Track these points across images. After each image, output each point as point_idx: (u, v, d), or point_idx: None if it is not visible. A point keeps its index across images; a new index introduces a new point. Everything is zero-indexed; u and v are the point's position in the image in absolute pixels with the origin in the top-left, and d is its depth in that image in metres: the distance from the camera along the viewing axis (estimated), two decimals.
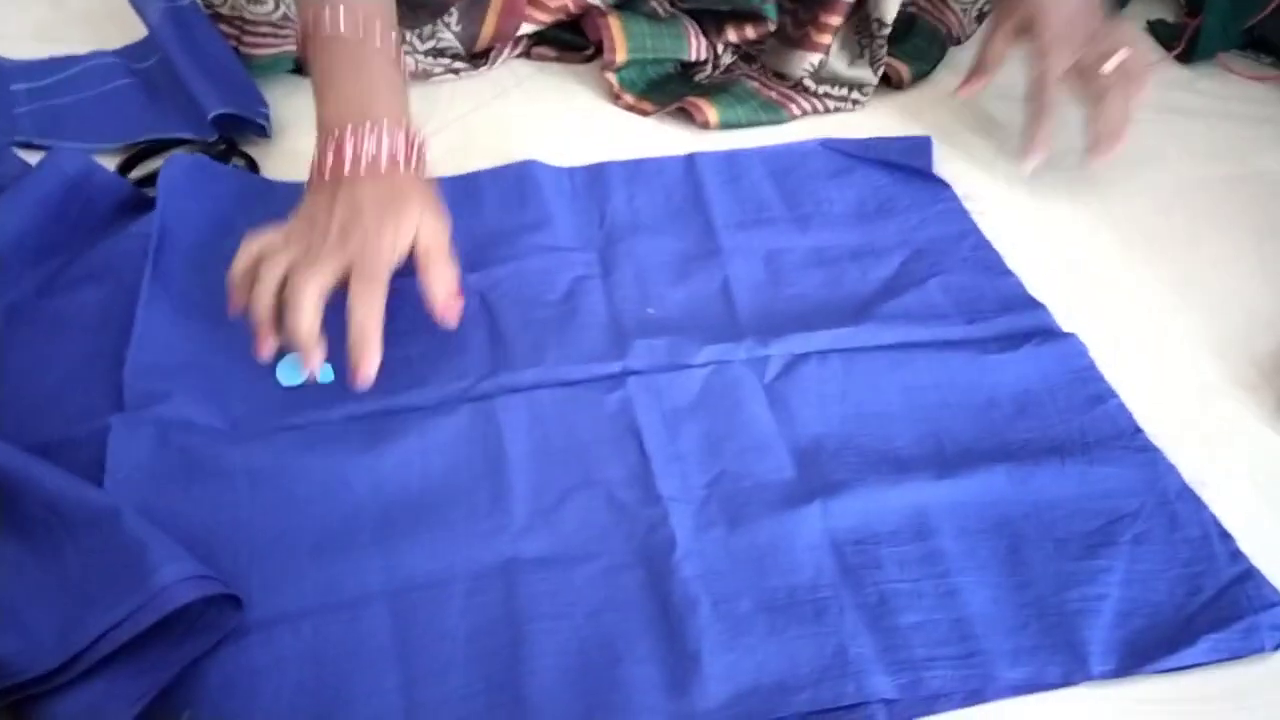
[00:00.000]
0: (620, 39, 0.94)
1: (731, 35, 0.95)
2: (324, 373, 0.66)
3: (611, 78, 0.95)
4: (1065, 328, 0.74)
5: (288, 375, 0.66)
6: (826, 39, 0.92)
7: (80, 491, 0.54)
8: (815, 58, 0.93)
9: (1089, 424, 0.68)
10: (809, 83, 0.94)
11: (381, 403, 0.65)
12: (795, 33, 0.94)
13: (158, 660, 0.50)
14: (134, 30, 0.94)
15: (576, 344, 0.70)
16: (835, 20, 0.91)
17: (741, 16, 0.94)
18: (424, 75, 0.94)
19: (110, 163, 0.80)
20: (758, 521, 0.60)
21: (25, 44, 0.94)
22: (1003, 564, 0.60)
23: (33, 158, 0.75)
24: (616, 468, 0.63)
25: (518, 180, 0.83)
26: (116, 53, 0.93)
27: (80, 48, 0.93)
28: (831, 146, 0.90)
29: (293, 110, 0.90)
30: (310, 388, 0.66)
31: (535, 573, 0.57)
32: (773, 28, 0.93)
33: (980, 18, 1.04)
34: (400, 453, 0.62)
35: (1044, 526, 0.61)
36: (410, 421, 0.64)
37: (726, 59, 0.98)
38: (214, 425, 0.62)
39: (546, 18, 0.95)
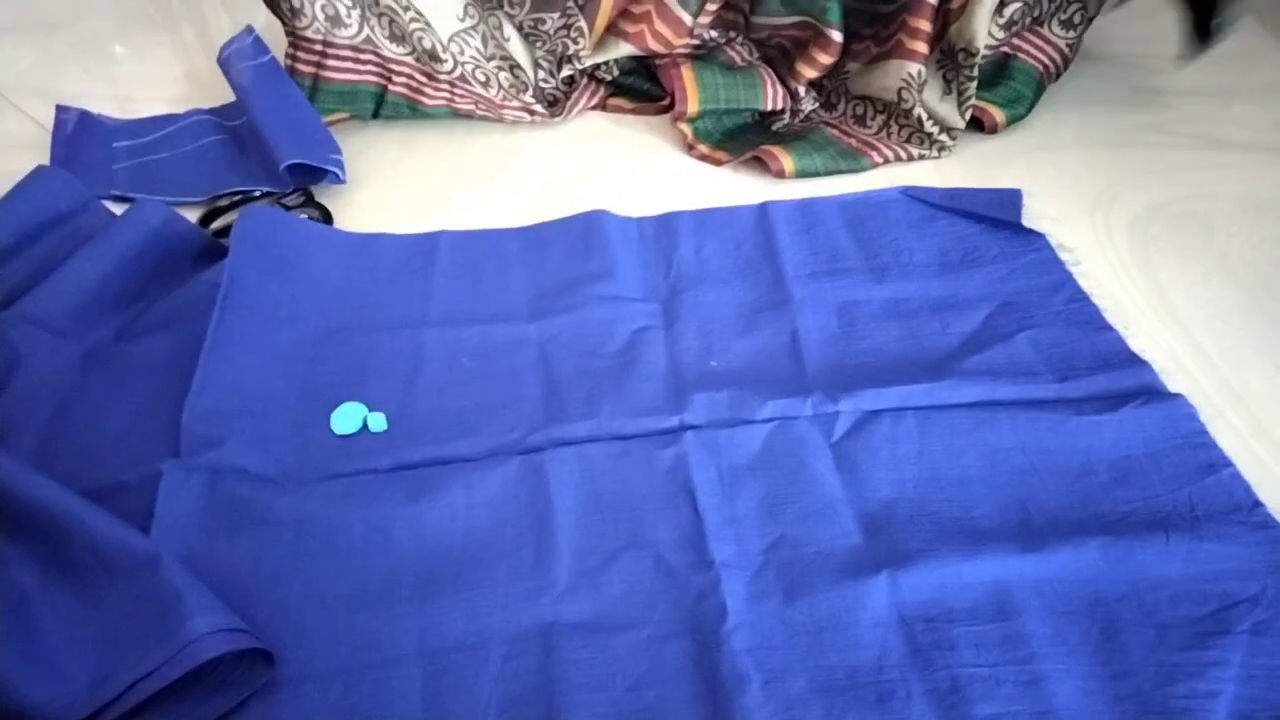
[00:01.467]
0: (693, 90, 0.92)
1: (806, 70, 0.91)
2: (377, 422, 0.66)
3: (685, 128, 0.94)
4: (1171, 388, 0.67)
5: (343, 424, 0.66)
6: (921, 46, 0.87)
7: (125, 537, 0.54)
8: (914, 67, 0.88)
9: (1199, 495, 0.61)
10: (906, 96, 0.88)
11: (431, 452, 0.64)
12: (883, 47, 0.90)
13: (184, 714, 0.49)
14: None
15: (633, 397, 0.67)
16: (923, 24, 0.86)
17: (808, 43, 0.90)
18: (496, 113, 0.95)
19: (193, 215, 0.83)
20: (818, 593, 0.56)
21: (160, 108, 0.99)
22: (1096, 651, 0.53)
23: (120, 209, 0.78)
24: (667, 528, 0.60)
25: (585, 230, 0.82)
26: (211, 111, 0.97)
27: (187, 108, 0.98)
28: (913, 195, 0.86)
29: (372, 161, 0.92)
30: (363, 437, 0.65)
31: (575, 639, 0.54)
32: (837, 37, 0.89)
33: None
34: (445, 505, 0.60)
35: (1145, 610, 0.55)
36: (458, 473, 0.62)
37: (808, 105, 0.95)
38: (265, 473, 0.62)
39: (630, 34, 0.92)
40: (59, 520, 0.55)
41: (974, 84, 0.88)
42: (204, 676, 0.50)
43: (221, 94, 0.99)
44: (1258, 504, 0.60)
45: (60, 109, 0.95)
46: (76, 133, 0.93)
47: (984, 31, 0.85)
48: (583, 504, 0.61)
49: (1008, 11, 0.88)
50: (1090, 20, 0.95)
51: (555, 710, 0.51)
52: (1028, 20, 0.92)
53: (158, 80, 1.05)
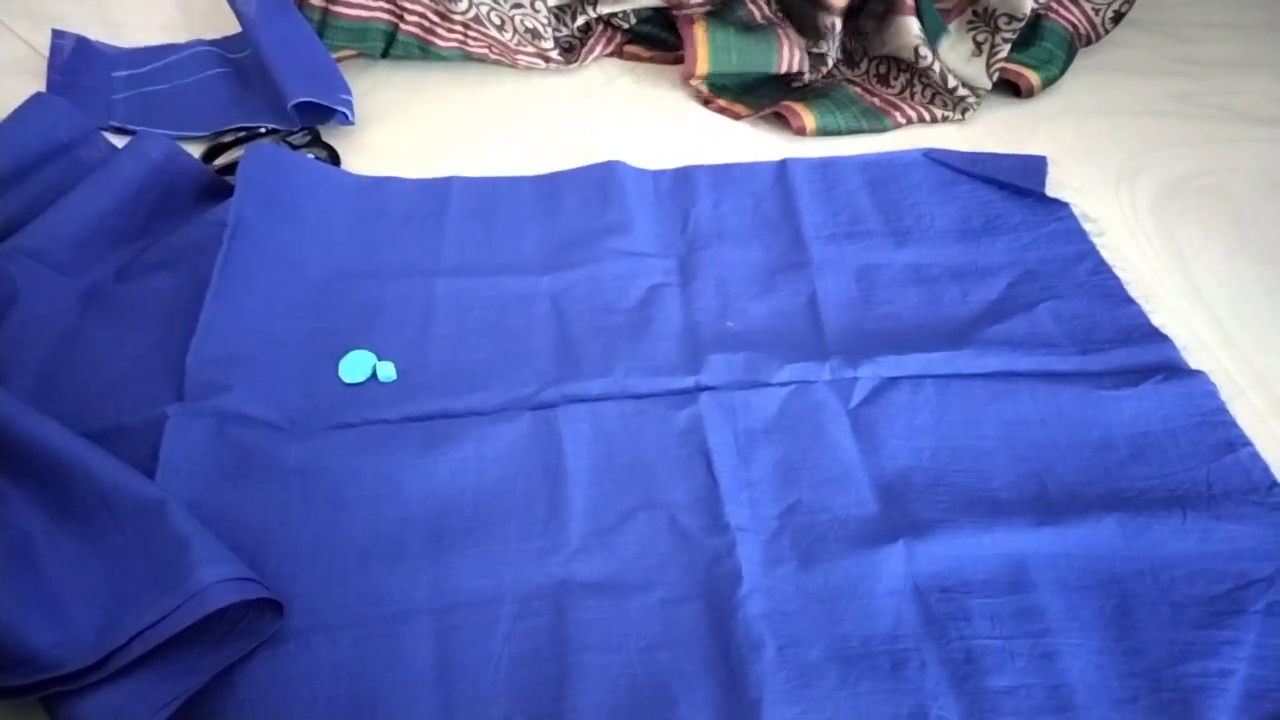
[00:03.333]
0: (704, 50, 0.89)
1: (824, 19, 0.88)
2: (386, 371, 0.64)
3: (696, 84, 0.91)
4: (1193, 364, 0.67)
5: (351, 372, 0.64)
6: None
7: (130, 481, 0.53)
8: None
9: (1216, 474, 0.60)
10: (924, 53, 0.86)
11: (441, 404, 0.62)
12: (886, 2, 0.87)
13: (191, 664, 0.48)
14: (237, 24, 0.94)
15: (648, 355, 0.66)
16: None
17: None
18: (510, 58, 0.92)
19: (196, 150, 0.80)
20: (834, 560, 0.55)
21: (153, 34, 0.95)
22: (1110, 626, 0.53)
23: (121, 142, 0.76)
24: (682, 490, 0.59)
25: (600, 181, 0.80)
26: (214, 43, 0.94)
27: (187, 38, 0.94)
28: (936, 158, 0.84)
29: (379, 103, 0.89)
30: (372, 386, 0.64)
31: (588, 599, 0.53)
32: None
33: (1118, 18, 0.96)
34: (456, 459, 0.59)
35: (1160, 587, 0.55)
36: (469, 427, 0.61)
37: (831, 59, 0.92)
38: (271, 420, 0.61)
39: None
40: (62, 462, 0.54)
41: (1009, 46, 0.86)
42: (211, 625, 0.49)
43: (214, 25, 0.96)
44: (1275, 484, 0.59)
45: (56, 34, 0.91)
46: (73, 59, 0.90)
47: None
48: (596, 463, 0.60)
49: None
50: None
51: (567, 669, 0.50)
52: None
53: (146, 5, 1.01)
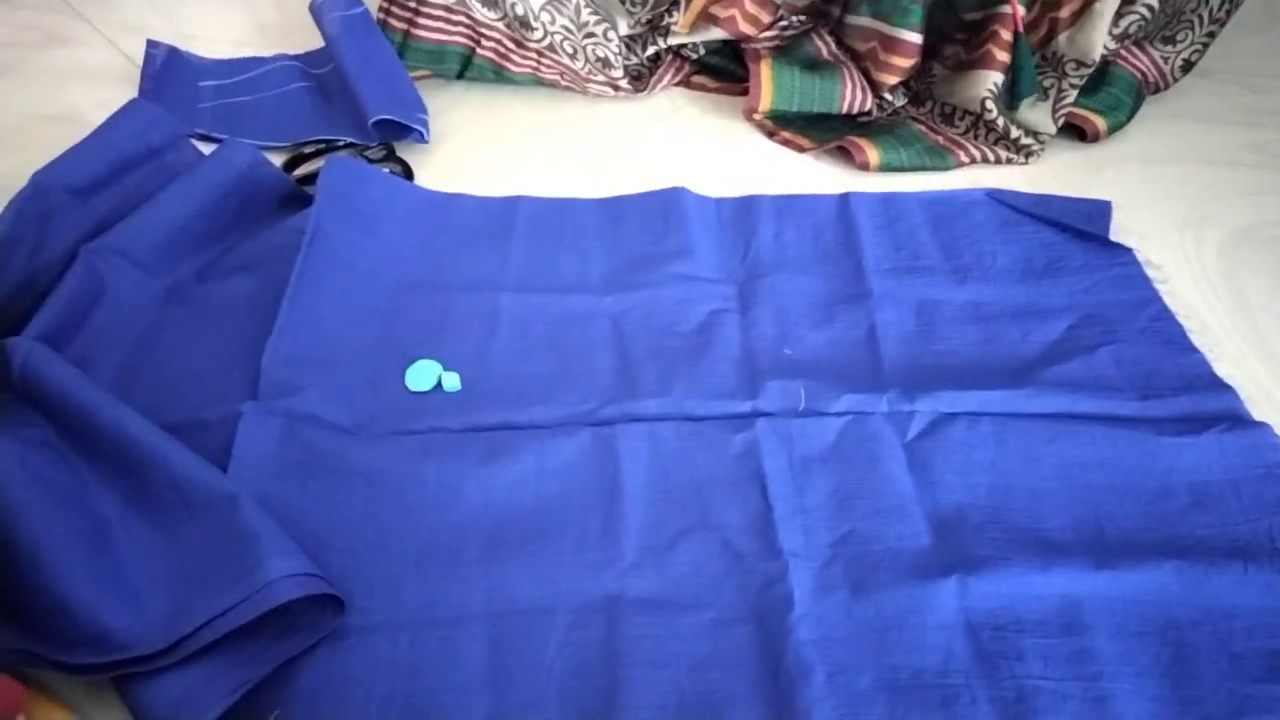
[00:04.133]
0: (767, 88, 0.91)
1: (885, 77, 0.89)
2: (451, 381, 0.66)
3: (759, 119, 0.93)
4: (1257, 416, 0.66)
5: (417, 380, 0.66)
6: (1007, 57, 0.85)
7: (204, 474, 0.55)
8: (998, 77, 0.86)
9: (1279, 527, 0.59)
10: (990, 106, 0.87)
11: (503, 416, 0.64)
12: (971, 55, 0.89)
13: (256, 654, 0.50)
14: (318, 39, 0.98)
15: (707, 378, 0.67)
16: (1009, 35, 0.84)
17: (889, 47, 0.89)
18: (581, 85, 0.94)
19: (278, 160, 0.83)
20: (886, 590, 0.55)
21: (222, 48, 1.00)
22: (1166, 674, 0.52)
23: (207, 149, 0.79)
24: (736, 513, 0.59)
25: (664, 207, 0.81)
26: (297, 57, 0.98)
27: (270, 52, 0.98)
28: (998, 198, 0.84)
29: (453, 121, 0.92)
30: (437, 395, 0.66)
31: (640, 615, 0.54)
32: (914, 39, 0.87)
33: (1187, 66, 0.96)
34: (516, 470, 0.60)
35: (1219, 638, 0.54)
36: (530, 440, 0.62)
37: (899, 100, 0.94)
38: (340, 423, 0.62)
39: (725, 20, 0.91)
40: (140, 452, 0.56)
41: (1076, 93, 0.86)
42: (276, 618, 0.51)
43: (288, 42, 0.99)
44: None
45: (151, 44, 0.95)
46: (165, 69, 0.94)
47: (1100, 43, 0.83)
48: (652, 481, 0.61)
49: (1123, 23, 0.86)
50: (1205, 42, 0.93)
51: (618, 683, 0.51)
52: (1141, 34, 0.89)
53: (220, 22, 1.05)
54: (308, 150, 0.85)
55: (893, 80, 0.89)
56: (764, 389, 0.66)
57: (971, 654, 0.53)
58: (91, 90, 0.93)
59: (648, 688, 0.51)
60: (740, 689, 0.51)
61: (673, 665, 0.52)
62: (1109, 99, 0.91)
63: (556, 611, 0.54)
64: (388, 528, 0.57)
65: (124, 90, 0.90)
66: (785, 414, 0.65)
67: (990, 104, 0.87)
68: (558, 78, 0.94)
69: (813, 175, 0.88)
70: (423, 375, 0.66)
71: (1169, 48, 0.95)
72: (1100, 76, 0.92)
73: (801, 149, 0.91)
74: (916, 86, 0.95)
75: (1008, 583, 0.56)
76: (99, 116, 0.75)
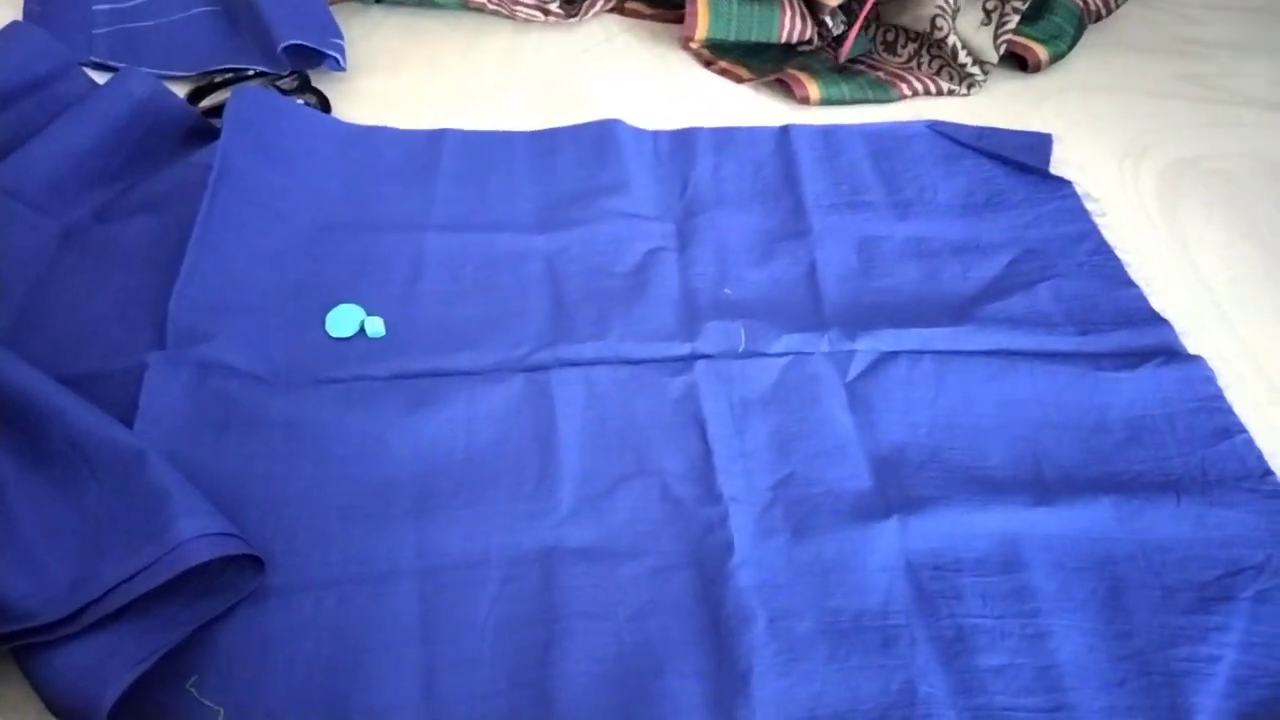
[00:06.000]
0: (704, 16, 0.87)
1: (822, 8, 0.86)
2: (375, 326, 0.63)
3: (696, 47, 0.89)
4: (1191, 349, 0.66)
5: (339, 326, 0.63)
6: None
7: (107, 430, 0.51)
8: None
9: (1211, 460, 0.60)
10: (941, 24, 0.84)
11: (431, 363, 0.61)
12: None
13: (168, 620, 0.47)
14: None
15: (644, 320, 0.65)
16: None
17: None
18: (509, 9, 0.89)
19: (181, 90, 0.77)
20: (826, 533, 0.55)
21: None
22: (1101, 608, 0.53)
23: (102, 79, 0.73)
24: (675, 458, 0.58)
25: (598, 140, 0.78)
26: None
27: None
28: (940, 130, 0.82)
29: (372, 50, 0.86)
30: (359, 341, 0.62)
31: (577, 565, 0.52)
32: None
33: None
34: (445, 419, 0.58)
35: (1152, 571, 0.54)
36: (459, 386, 0.59)
37: (838, 28, 0.90)
38: (255, 372, 0.59)
39: None
40: (36, 408, 0.52)
41: (1017, 18, 0.84)
42: (190, 580, 0.48)
43: None
44: (1269, 472, 0.59)
45: None
46: None
47: None
48: (588, 427, 0.59)
49: None
50: None
51: (555, 636, 0.50)
52: None
53: None
54: (214, 80, 0.79)
55: (834, 2, 0.86)
56: (703, 330, 0.64)
57: (911, 594, 0.53)
58: None
59: (585, 639, 0.50)
60: (680, 637, 0.50)
61: (611, 615, 0.51)
62: (1051, 27, 0.90)
63: (490, 564, 0.52)
64: (309, 481, 0.55)
65: (5, 12, 0.82)
66: (725, 355, 0.63)
67: (941, 21, 0.84)
68: (485, 1, 0.89)
69: (752, 107, 0.86)
70: (344, 320, 0.63)
71: None
72: (1042, 3, 0.90)
73: (740, 79, 0.88)
74: (857, 8, 0.92)
75: (947, 522, 0.55)
76: None
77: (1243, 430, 0.61)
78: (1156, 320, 0.68)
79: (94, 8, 0.86)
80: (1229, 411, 0.62)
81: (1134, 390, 0.63)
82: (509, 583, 0.52)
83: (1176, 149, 0.84)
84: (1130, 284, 0.70)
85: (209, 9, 0.87)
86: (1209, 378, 0.64)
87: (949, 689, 0.49)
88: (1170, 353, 0.66)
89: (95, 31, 0.84)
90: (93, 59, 0.80)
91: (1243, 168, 0.82)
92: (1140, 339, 0.67)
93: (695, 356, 0.63)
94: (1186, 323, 0.68)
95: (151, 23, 0.86)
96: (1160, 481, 0.59)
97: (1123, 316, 0.68)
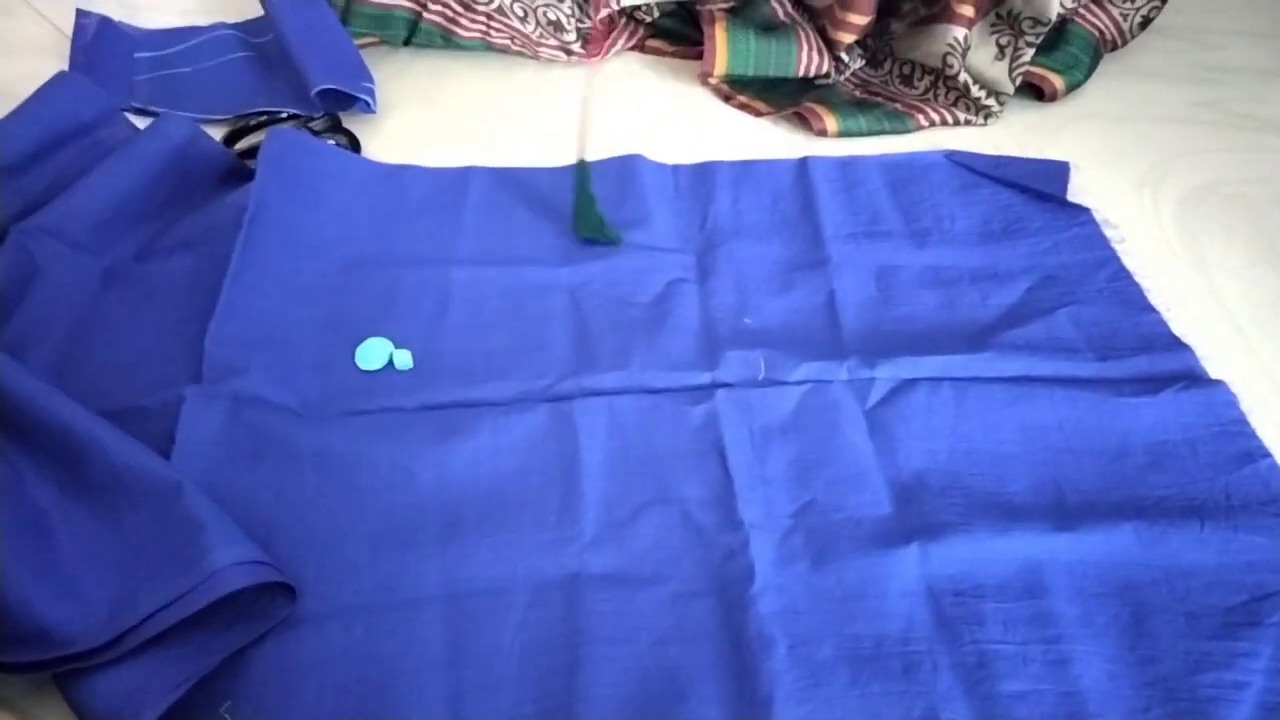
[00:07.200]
0: (722, 51, 0.89)
1: (842, 35, 0.88)
2: (403, 359, 0.64)
3: (715, 83, 0.91)
4: (1213, 374, 0.66)
5: (367, 359, 0.64)
6: (969, 10, 0.84)
7: (146, 461, 0.53)
8: (959, 32, 0.84)
9: (1235, 485, 0.60)
10: (952, 62, 0.85)
11: (458, 394, 0.62)
12: (932, 9, 0.87)
13: (203, 646, 0.48)
14: (258, 7, 0.94)
15: (665, 350, 0.66)
16: None
17: (844, 3, 0.86)
18: (532, 50, 0.92)
19: (218, 132, 0.80)
20: (847, 560, 0.55)
21: (163, 17, 0.95)
22: (1124, 634, 0.53)
23: (143, 123, 0.76)
24: (696, 486, 0.58)
25: (619, 174, 0.80)
26: (236, 26, 0.94)
27: (207, 21, 0.94)
28: (957, 160, 0.83)
29: (400, 90, 0.89)
30: (388, 374, 0.64)
31: (600, 591, 0.53)
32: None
33: (1145, 23, 0.95)
34: (471, 449, 0.59)
35: (1176, 597, 0.54)
36: (485, 417, 0.61)
37: (855, 62, 0.92)
38: (287, 404, 0.61)
39: None
40: (78, 440, 0.54)
41: (1032, 51, 0.85)
42: (224, 608, 0.49)
43: (233, 9, 0.96)
44: None
45: (81, 14, 0.91)
46: (97, 40, 0.90)
47: (1057, 1, 0.82)
48: (611, 456, 0.60)
49: None
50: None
51: (579, 661, 0.50)
52: None
53: None
54: (249, 123, 0.82)
55: (850, 39, 0.88)
56: (723, 359, 0.65)
57: (933, 620, 0.53)
58: (18, 63, 0.89)
59: (608, 664, 0.50)
60: (702, 662, 0.51)
61: (633, 641, 0.51)
62: (1067, 57, 0.91)
63: (515, 591, 0.53)
64: (339, 511, 0.56)
65: (53, 63, 0.86)
66: (745, 384, 0.64)
67: (952, 59, 0.85)
68: (508, 42, 0.92)
69: (770, 140, 0.87)
70: (373, 354, 0.65)
71: (1128, 4, 0.94)
72: (1058, 34, 0.91)
73: (759, 113, 0.90)
74: (874, 45, 0.94)
75: (968, 548, 0.55)
76: (26, 90, 0.72)
77: (1267, 454, 0.61)
78: (1177, 345, 0.68)
79: (135, 56, 0.89)
80: (1252, 436, 0.62)
81: (1155, 415, 0.63)
82: (534, 608, 0.52)
83: (1196, 174, 0.84)
84: (1150, 309, 0.71)
85: (244, 55, 0.90)
86: (1231, 402, 0.64)
87: (971, 716, 0.49)
88: (1192, 377, 0.66)
89: (136, 78, 0.87)
90: (134, 104, 0.83)
91: (1263, 193, 0.82)
92: (1161, 364, 0.67)
93: (716, 385, 0.64)
94: (1208, 347, 0.68)
95: (189, 69, 0.89)
96: (1183, 506, 0.58)
97: (1143, 342, 0.68)
